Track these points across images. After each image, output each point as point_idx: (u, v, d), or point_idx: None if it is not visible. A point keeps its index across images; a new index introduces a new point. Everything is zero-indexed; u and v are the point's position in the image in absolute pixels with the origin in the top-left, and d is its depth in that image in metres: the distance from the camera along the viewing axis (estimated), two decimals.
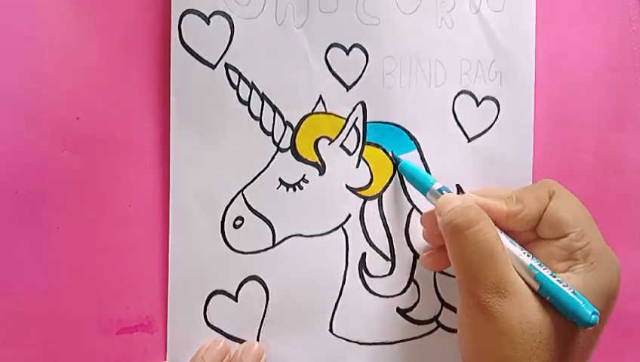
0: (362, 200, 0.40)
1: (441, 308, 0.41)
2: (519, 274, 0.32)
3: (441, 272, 0.41)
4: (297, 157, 0.39)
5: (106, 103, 0.38)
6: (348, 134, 0.40)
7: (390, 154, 0.40)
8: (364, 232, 0.40)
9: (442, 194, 0.36)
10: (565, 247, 0.33)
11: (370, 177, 0.40)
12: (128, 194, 0.38)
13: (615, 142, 0.43)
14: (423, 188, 0.38)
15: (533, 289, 0.32)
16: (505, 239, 0.34)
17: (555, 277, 0.32)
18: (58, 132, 0.37)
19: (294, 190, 0.39)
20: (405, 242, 0.41)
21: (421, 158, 0.41)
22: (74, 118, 0.37)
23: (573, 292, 0.31)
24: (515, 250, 0.34)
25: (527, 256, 0.33)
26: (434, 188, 0.37)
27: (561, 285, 0.31)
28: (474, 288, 0.31)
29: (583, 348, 0.32)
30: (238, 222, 0.39)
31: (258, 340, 0.39)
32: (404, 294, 0.41)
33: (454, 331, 0.41)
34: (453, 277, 0.41)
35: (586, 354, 0.33)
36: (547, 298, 0.31)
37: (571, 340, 0.32)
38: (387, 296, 0.41)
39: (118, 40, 0.38)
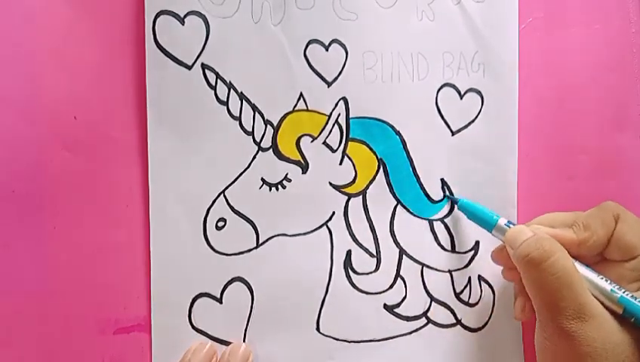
0: (346, 197, 0.40)
1: (430, 304, 0.41)
2: (598, 299, 0.33)
3: (429, 267, 0.40)
4: (279, 156, 0.39)
5: (104, 103, 0.38)
6: (331, 131, 0.40)
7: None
8: (348, 230, 0.40)
9: (509, 228, 0.37)
10: (635, 269, 0.35)
11: (354, 174, 0.40)
12: (126, 194, 0.38)
13: (614, 143, 0.43)
14: (488, 226, 0.38)
15: (614, 313, 0.33)
16: (580, 266, 0.35)
17: (636, 299, 0.33)
18: (56, 131, 0.37)
19: (277, 189, 0.39)
20: (390, 238, 0.40)
21: (405, 153, 0.40)
22: (72, 118, 0.37)
23: None
24: (592, 275, 0.34)
25: (605, 280, 0.34)
26: (500, 223, 0.37)
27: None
28: (555, 316, 0.32)
29: None
30: (220, 224, 0.39)
31: (244, 342, 0.39)
32: (390, 290, 0.40)
33: (444, 326, 0.41)
34: (441, 271, 0.41)
35: None
36: (632, 319, 0.32)
37: None
38: (374, 293, 0.40)
39: (116, 40, 0.38)
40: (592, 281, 0.34)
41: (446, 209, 0.41)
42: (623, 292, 0.33)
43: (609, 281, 0.34)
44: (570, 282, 0.32)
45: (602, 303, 0.33)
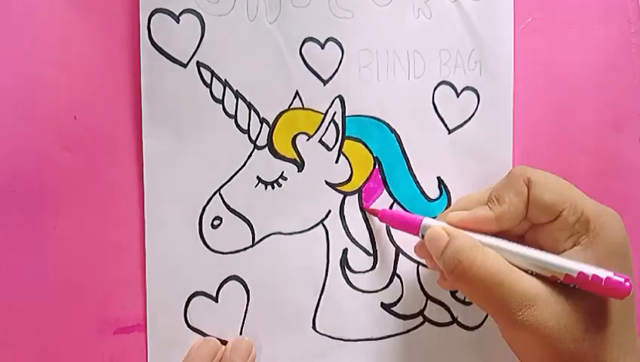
0: (342, 195, 0.40)
1: (426, 302, 0.41)
2: (536, 274, 0.32)
3: (425, 265, 0.40)
4: (275, 154, 0.39)
5: (104, 103, 0.38)
6: (327, 129, 0.40)
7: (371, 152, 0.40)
8: (344, 228, 0.40)
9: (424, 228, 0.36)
10: (564, 226, 0.34)
11: (350, 172, 0.40)
12: (126, 194, 0.38)
13: (614, 144, 0.43)
14: (414, 230, 0.37)
15: (555, 283, 0.32)
16: (507, 244, 0.34)
17: (574, 262, 0.32)
18: (56, 131, 0.37)
19: (273, 188, 0.39)
20: (387, 236, 0.40)
21: (401, 151, 0.40)
22: (72, 118, 0.37)
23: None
24: (522, 250, 0.33)
25: (535, 250, 0.33)
26: (424, 223, 0.36)
27: (584, 268, 0.31)
28: (503, 315, 0.32)
29: (627, 312, 0.32)
30: (216, 222, 0.39)
31: None
32: (387, 289, 0.40)
33: (441, 325, 0.41)
34: (437, 270, 0.41)
35: (631, 316, 0.33)
36: (575, 286, 0.31)
37: (609, 311, 0.32)
38: (370, 292, 0.40)
39: (115, 39, 0.38)
40: (524, 256, 0.33)
41: (442, 207, 0.41)
42: (559, 260, 0.32)
43: (538, 251, 0.33)
44: (500, 279, 0.31)
45: (541, 276, 0.32)
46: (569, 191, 0.34)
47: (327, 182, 0.40)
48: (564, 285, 0.32)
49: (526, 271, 0.32)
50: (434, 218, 0.37)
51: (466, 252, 0.33)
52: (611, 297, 0.31)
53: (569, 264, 0.31)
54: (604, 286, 0.30)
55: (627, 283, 0.30)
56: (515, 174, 0.36)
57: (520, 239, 0.36)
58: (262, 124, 0.39)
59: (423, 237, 0.36)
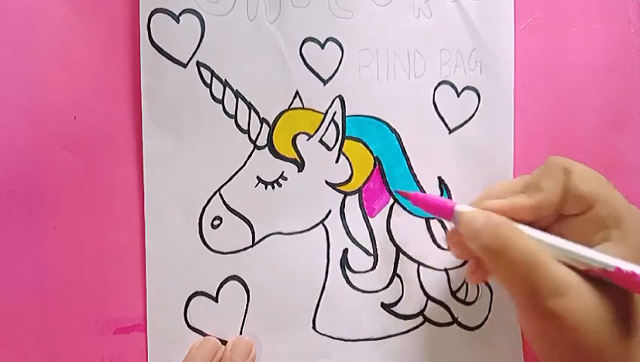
0: (342, 195, 0.40)
1: (427, 302, 0.41)
2: (569, 265, 0.32)
3: (425, 265, 0.40)
4: (275, 154, 0.39)
5: (104, 103, 0.38)
6: (327, 129, 0.40)
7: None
8: (345, 228, 0.40)
9: (462, 212, 0.34)
10: (596, 219, 0.33)
11: (350, 172, 0.40)
12: (126, 194, 0.38)
13: (614, 144, 0.43)
14: (446, 213, 0.36)
15: (588, 275, 0.31)
16: (542, 234, 0.33)
17: (611, 257, 0.31)
18: (56, 131, 0.37)
19: (273, 188, 0.39)
20: (387, 236, 0.40)
21: (402, 151, 0.40)
22: (71, 118, 0.37)
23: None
24: (557, 241, 0.33)
25: (570, 242, 0.32)
26: (456, 209, 0.35)
27: (621, 264, 0.30)
28: (533, 300, 0.31)
29: None
30: (216, 222, 0.39)
31: None
32: (387, 289, 0.40)
33: (441, 325, 0.41)
34: (437, 270, 0.41)
35: None
36: (609, 279, 0.31)
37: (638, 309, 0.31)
38: (370, 292, 0.40)
39: (115, 39, 0.38)
40: (559, 247, 0.32)
41: None
42: (594, 253, 0.31)
43: (574, 243, 0.32)
44: (537, 262, 0.31)
45: (573, 267, 0.31)
46: (604, 184, 0.34)
47: (327, 182, 0.40)
48: (596, 279, 0.31)
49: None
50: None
51: (505, 229, 0.32)
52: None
53: (606, 258, 0.31)
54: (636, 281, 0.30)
55: None
56: (553, 163, 0.35)
57: (543, 230, 0.34)
58: (262, 123, 0.39)
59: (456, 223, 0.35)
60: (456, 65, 0.41)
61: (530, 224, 0.34)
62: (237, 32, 0.38)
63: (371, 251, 0.40)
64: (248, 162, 0.39)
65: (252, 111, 0.39)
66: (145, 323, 0.38)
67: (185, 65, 0.38)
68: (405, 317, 0.40)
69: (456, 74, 0.41)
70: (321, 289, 0.40)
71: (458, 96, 0.41)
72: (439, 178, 0.41)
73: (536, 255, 0.31)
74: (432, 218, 0.41)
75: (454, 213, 0.35)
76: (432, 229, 0.41)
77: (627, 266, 0.30)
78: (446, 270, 0.41)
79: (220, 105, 0.38)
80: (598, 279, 0.31)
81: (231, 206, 0.39)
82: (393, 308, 0.40)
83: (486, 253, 0.32)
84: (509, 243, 0.32)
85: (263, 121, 0.39)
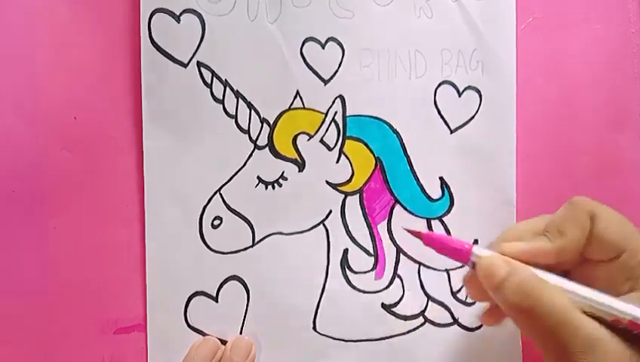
0: (343, 195, 0.40)
1: (427, 303, 0.40)
2: (595, 316, 0.30)
3: (426, 266, 0.40)
4: (275, 154, 0.39)
5: (104, 103, 0.38)
6: (327, 129, 0.40)
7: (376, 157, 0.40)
8: (345, 228, 0.40)
9: (478, 256, 0.32)
10: (623, 268, 0.32)
11: (351, 172, 0.40)
12: (126, 194, 0.38)
13: (614, 144, 0.43)
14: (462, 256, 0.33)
15: (614, 327, 0.30)
16: (570, 284, 0.31)
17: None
18: (56, 131, 0.37)
19: (273, 188, 0.39)
20: (388, 237, 0.40)
21: (403, 151, 0.40)
22: (71, 118, 0.37)
23: None
24: (585, 291, 0.31)
25: (598, 292, 0.31)
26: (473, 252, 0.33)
27: None
28: (563, 356, 0.29)
29: None
30: (216, 222, 0.39)
31: None
32: (388, 289, 0.40)
33: (442, 326, 0.41)
34: (438, 270, 0.40)
35: None
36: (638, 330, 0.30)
37: None
38: (371, 292, 0.40)
39: (115, 39, 0.38)
40: (586, 297, 0.31)
41: (444, 207, 0.41)
42: (624, 305, 0.30)
43: (602, 293, 0.31)
44: (566, 319, 0.29)
45: (600, 318, 0.30)
46: (632, 232, 0.32)
47: (327, 182, 0.40)
48: (622, 330, 0.30)
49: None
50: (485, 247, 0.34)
51: (533, 285, 0.30)
52: None
53: (635, 310, 0.30)
54: None
55: None
56: (577, 206, 0.33)
57: (563, 275, 0.33)
58: (262, 123, 0.39)
59: (472, 266, 0.33)
60: (457, 65, 0.41)
61: (549, 267, 0.32)
62: (237, 32, 0.38)
63: (372, 251, 0.40)
64: (249, 162, 0.39)
65: (252, 111, 0.39)
66: (145, 323, 0.38)
67: (185, 65, 0.38)
68: (406, 318, 0.40)
69: (457, 74, 0.41)
70: (321, 289, 0.40)
71: (459, 96, 0.41)
72: (441, 178, 0.41)
73: (566, 311, 0.30)
74: (434, 218, 0.41)
75: (472, 256, 0.33)
76: (434, 230, 0.41)
77: None
78: (447, 271, 0.41)
79: (221, 105, 0.38)
80: (626, 330, 0.30)
81: (231, 206, 0.39)
82: (394, 309, 0.40)
83: (513, 310, 0.31)
84: (538, 301, 0.30)
85: (263, 121, 0.39)
